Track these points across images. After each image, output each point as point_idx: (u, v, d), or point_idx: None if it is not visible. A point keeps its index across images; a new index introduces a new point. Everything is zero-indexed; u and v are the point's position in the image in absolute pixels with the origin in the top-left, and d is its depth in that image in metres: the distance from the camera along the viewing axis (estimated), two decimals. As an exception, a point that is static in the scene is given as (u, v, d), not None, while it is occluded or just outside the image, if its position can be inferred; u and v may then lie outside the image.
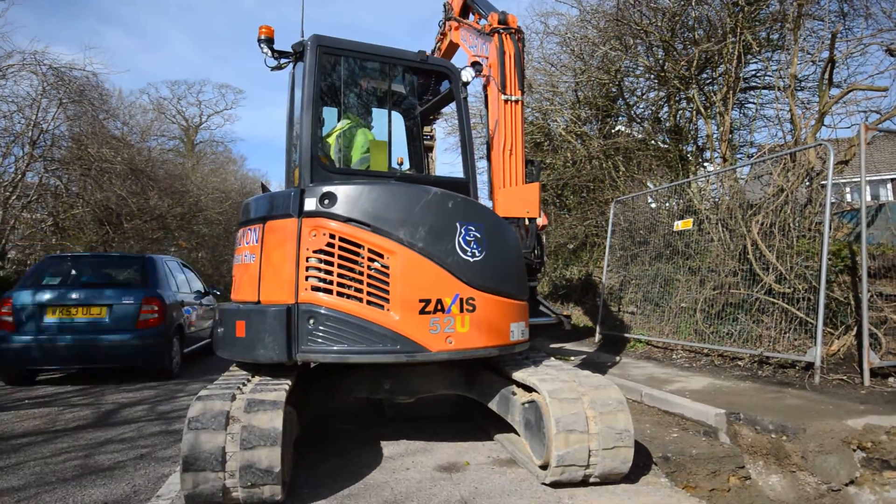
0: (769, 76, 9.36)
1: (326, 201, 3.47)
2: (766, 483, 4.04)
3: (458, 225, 3.56)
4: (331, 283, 3.38)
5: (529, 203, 4.86)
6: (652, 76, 10.67)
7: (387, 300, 3.38)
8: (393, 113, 5.28)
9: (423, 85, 4.94)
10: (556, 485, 3.32)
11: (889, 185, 27.05)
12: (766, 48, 9.14)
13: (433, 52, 6.76)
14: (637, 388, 5.67)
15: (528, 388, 3.73)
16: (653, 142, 10.91)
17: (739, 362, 6.52)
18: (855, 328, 5.58)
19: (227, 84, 51.38)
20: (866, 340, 5.16)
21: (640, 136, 11.23)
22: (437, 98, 5.07)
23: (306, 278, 3.40)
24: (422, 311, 3.40)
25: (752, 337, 6.44)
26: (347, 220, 3.43)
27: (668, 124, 10.81)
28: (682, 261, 8.08)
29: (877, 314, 5.59)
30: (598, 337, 9.23)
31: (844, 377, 5.33)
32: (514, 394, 3.86)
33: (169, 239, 19.80)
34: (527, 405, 3.65)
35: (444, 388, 4.25)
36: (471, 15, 6.11)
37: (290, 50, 4.13)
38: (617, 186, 10.95)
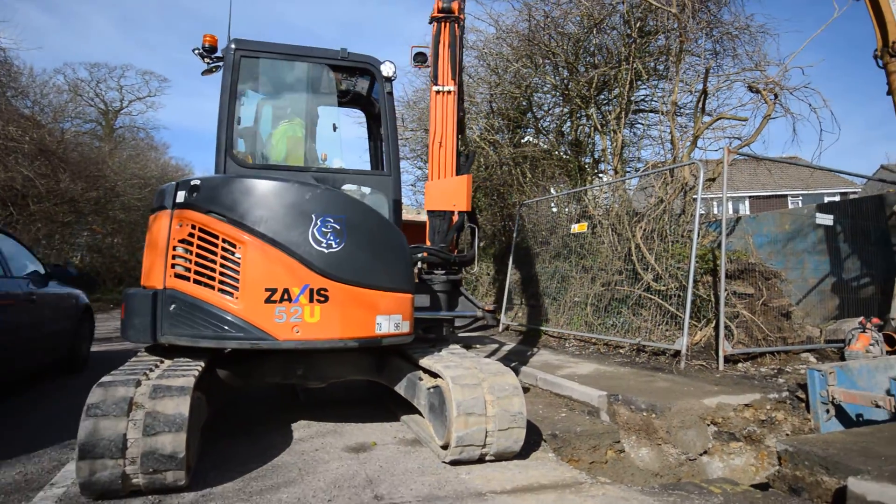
0: (655, 101, 10.01)
1: (194, 194, 3.43)
2: (637, 455, 4.32)
3: (313, 216, 3.46)
4: (190, 270, 3.37)
5: (457, 195, 4.55)
6: (557, 93, 11.07)
7: (236, 288, 3.33)
8: (344, 110, 5.25)
9: (352, 80, 4.80)
10: (455, 463, 3.36)
11: (747, 202, 29.91)
12: (654, 76, 9.74)
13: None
14: (533, 373, 5.87)
15: (434, 374, 3.75)
16: (556, 152, 11.32)
17: (621, 350, 6.92)
18: (714, 321, 6.08)
19: (151, 71, 47.59)
20: (722, 332, 5.64)
21: (545, 146, 11.62)
22: (370, 94, 4.93)
23: (172, 266, 3.40)
24: (267, 300, 3.31)
25: (632, 328, 6.86)
26: (207, 211, 3.40)
27: (569, 138, 11.27)
28: (576, 260, 8.45)
29: (731, 310, 6.12)
30: (502, 327, 9.47)
31: (704, 363, 5.80)
32: (420, 379, 3.86)
33: (81, 223, 18.14)
34: (431, 390, 3.67)
35: (355, 373, 4.18)
36: None
37: (221, 55, 4.09)
38: (524, 191, 11.27)
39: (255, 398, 5.18)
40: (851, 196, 22.80)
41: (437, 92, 4.75)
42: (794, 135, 9.24)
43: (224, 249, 3.35)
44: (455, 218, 4.79)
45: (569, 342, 7.89)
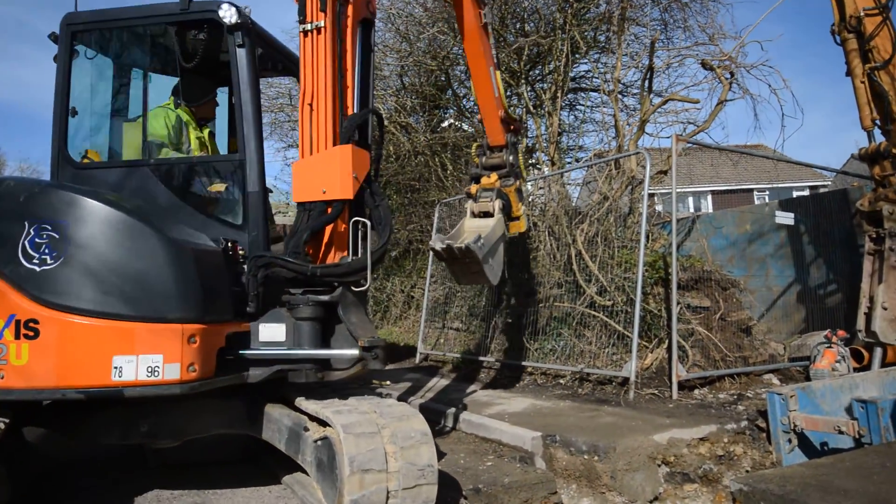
0: (597, 79, 10.52)
1: None
2: (577, 508, 4.48)
3: (26, 224, 3.35)
4: None
5: (327, 177, 3.96)
6: (482, 67, 11.33)
7: None
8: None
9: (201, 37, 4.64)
10: (349, 534, 3.33)
11: (709, 198, 32.01)
12: (594, 49, 10.25)
13: None
14: (455, 413, 5.94)
15: (323, 422, 3.71)
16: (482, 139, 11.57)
17: (561, 380, 7.16)
18: (667, 341, 6.44)
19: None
20: (675, 353, 5.99)
21: (469, 131, 11.86)
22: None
23: None
24: None
25: (574, 353, 7.11)
26: None
27: (498, 121, 11.54)
28: (508, 271, 8.66)
29: (685, 326, 6.52)
30: (419, 357, 9.51)
31: (656, 391, 6.13)
32: (306, 430, 3.81)
33: None
34: (319, 442, 3.63)
35: (220, 426, 4.08)
36: None
37: None
38: (444, 187, 11.42)
39: (88, 464, 4.89)
40: (821, 190, 24.98)
41: (305, 33, 4.12)
42: (756, 120, 10.06)
43: None
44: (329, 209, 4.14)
45: (500, 373, 8.06)
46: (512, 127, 5.80)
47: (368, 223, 4.09)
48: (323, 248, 4.13)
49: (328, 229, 4.11)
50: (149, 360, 3.33)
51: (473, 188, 5.52)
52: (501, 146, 5.65)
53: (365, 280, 4.03)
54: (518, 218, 5.72)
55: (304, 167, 4.09)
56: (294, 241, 3.97)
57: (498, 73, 5.54)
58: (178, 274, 3.51)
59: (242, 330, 3.87)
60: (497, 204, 5.29)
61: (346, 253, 4.13)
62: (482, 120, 5.73)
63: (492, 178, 5.42)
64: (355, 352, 3.88)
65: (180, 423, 3.93)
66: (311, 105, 4.06)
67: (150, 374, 3.32)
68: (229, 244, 3.97)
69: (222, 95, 5.14)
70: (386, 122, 12.28)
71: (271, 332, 3.95)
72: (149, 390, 3.35)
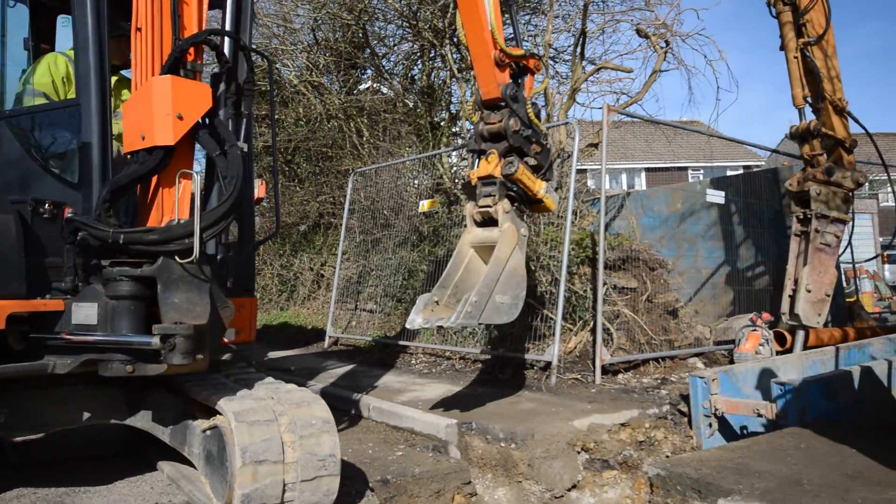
0: (526, 42, 10.63)
1: None
2: (492, 498, 4.61)
3: None
4: None
5: (145, 118, 3.41)
6: (404, 24, 11.27)
7: None
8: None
9: None
10: (240, 531, 3.31)
11: (643, 175, 33.25)
12: (525, 9, 10.35)
13: None
14: (365, 401, 5.97)
15: (214, 410, 3.66)
16: (402, 103, 11.55)
17: (481, 365, 7.30)
18: (591, 323, 6.66)
19: None
20: (599, 336, 6.21)
21: (388, 94, 11.79)
22: None
23: None
24: None
25: (493, 337, 7.26)
26: None
27: (420, 84, 11.55)
28: (428, 248, 8.72)
29: (611, 308, 6.76)
30: (328, 341, 9.47)
31: (579, 376, 6.35)
32: (194, 419, 3.75)
33: None
34: (208, 432, 3.58)
35: (92, 417, 3.92)
36: None
37: None
38: (359, 155, 11.33)
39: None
40: (755, 170, 26.33)
41: None
42: (691, 93, 10.49)
43: None
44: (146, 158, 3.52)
45: (416, 357, 8.14)
46: (522, 64, 4.68)
47: (197, 176, 3.46)
48: (144, 208, 3.65)
49: (153, 185, 3.57)
50: None
51: (473, 175, 4.70)
52: (498, 101, 4.59)
53: (193, 252, 3.32)
54: (541, 200, 4.78)
55: (131, 108, 3.59)
56: (97, 201, 3.50)
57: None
58: None
59: (49, 309, 3.45)
60: (502, 206, 4.49)
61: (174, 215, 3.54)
62: (472, 65, 4.71)
63: (491, 163, 4.52)
64: (151, 340, 3.27)
65: (42, 413, 3.77)
66: (139, 29, 3.53)
67: None
68: (45, 207, 3.55)
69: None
70: (296, 82, 12.06)
71: (84, 314, 3.48)
72: None
